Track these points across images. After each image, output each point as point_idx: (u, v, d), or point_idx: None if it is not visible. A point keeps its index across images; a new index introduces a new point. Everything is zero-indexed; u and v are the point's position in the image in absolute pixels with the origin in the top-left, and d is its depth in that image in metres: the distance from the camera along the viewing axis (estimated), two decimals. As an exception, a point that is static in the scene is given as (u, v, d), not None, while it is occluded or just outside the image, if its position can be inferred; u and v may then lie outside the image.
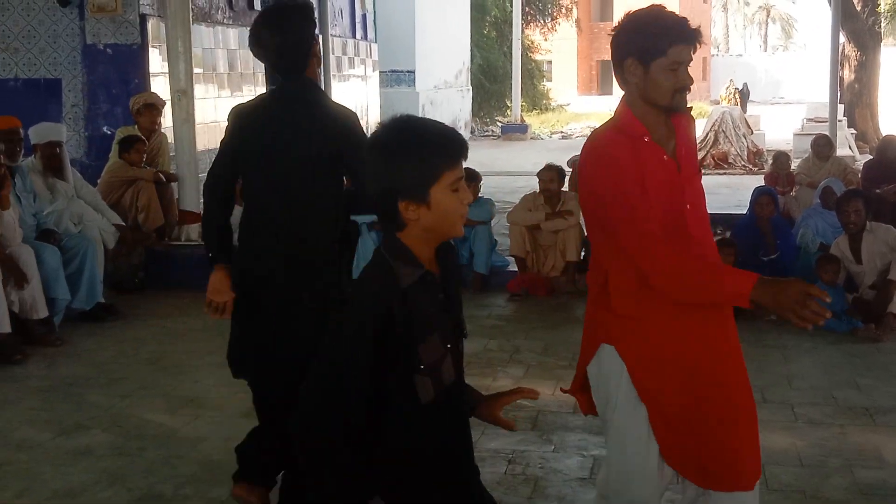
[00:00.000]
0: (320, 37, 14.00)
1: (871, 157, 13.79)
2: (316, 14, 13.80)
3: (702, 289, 2.92)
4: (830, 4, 15.47)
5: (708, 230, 3.21)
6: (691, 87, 3.06)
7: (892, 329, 7.03)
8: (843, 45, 20.63)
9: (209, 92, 11.77)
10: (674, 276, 2.93)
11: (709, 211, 3.25)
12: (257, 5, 12.72)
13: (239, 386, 5.83)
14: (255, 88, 13.06)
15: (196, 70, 10.04)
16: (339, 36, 16.24)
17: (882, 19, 22.82)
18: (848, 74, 21.79)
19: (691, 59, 3.04)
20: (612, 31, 3.11)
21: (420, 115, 2.51)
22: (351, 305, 2.42)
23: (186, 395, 5.92)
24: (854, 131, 20.84)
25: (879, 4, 22.57)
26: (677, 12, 3.04)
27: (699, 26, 3.08)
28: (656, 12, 3.04)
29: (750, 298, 2.79)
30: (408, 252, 2.43)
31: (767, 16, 72.78)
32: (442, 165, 2.39)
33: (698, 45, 3.02)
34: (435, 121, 2.47)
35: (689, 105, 3.14)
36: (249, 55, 13.07)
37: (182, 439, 5.20)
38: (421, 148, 2.37)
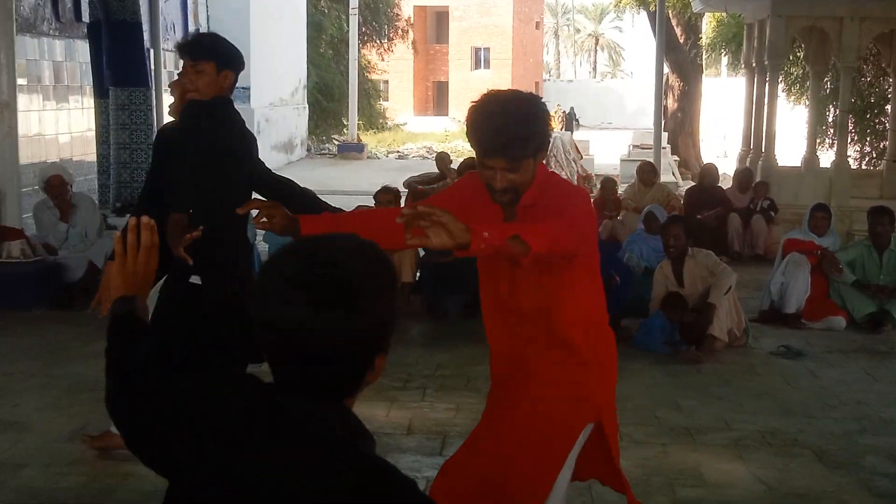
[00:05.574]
0: (152, 51, 13.68)
1: (693, 183, 14.41)
2: (147, 28, 13.55)
3: None
4: (655, 36, 16.06)
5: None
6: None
7: (712, 351, 7.31)
8: (667, 76, 21.45)
9: (33, 104, 11.34)
10: None
11: None
12: (85, 17, 12.32)
13: (62, 409, 5.64)
14: (82, 99, 12.67)
15: (20, 81, 9.70)
16: (172, 51, 15.91)
17: (703, 52, 23.84)
18: (672, 103, 22.66)
19: (504, 166, 3.00)
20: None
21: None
22: None
23: (6, 419, 5.66)
24: (677, 158, 21.66)
25: (701, 38, 23.57)
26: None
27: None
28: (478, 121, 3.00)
29: None
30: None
31: (596, 43, 74.97)
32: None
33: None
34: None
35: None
36: (76, 66, 12.76)
37: (1, 465, 4.98)
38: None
